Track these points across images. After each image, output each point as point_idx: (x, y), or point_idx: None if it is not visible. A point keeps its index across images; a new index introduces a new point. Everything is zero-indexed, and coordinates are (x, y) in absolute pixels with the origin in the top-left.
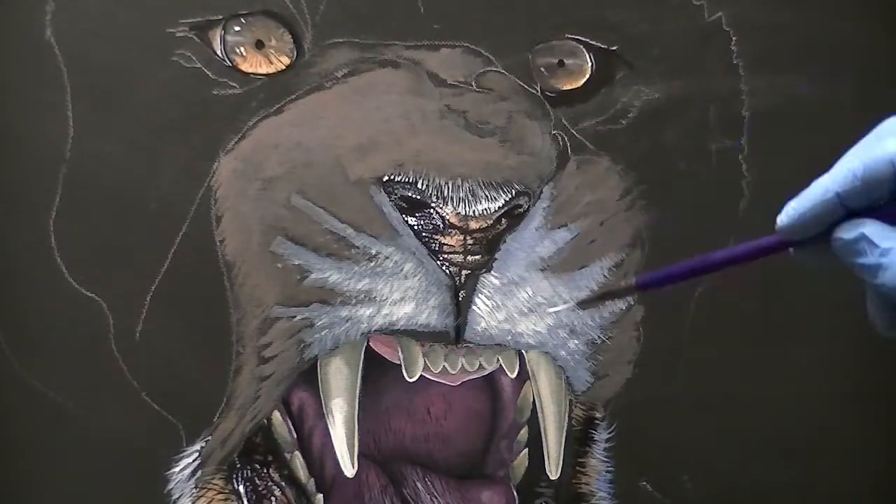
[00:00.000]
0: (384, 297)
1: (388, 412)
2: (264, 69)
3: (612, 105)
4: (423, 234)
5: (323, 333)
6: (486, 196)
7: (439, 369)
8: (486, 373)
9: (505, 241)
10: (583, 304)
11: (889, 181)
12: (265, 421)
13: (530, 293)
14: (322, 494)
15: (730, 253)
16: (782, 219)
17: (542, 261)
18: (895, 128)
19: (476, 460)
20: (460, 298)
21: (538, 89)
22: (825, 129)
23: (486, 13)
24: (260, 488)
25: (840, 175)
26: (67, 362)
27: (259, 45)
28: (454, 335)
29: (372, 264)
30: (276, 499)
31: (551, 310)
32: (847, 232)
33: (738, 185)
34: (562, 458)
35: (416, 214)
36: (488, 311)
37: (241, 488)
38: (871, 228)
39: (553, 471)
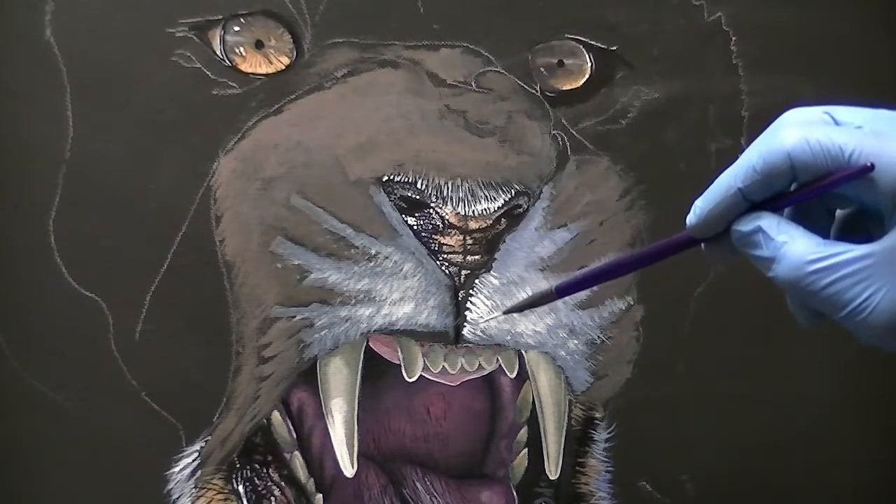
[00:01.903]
0: (384, 297)
1: (388, 412)
2: (264, 69)
3: (612, 105)
4: (423, 234)
5: (322, 333)
6: (486, 196)
7: (439, 369)
8: (485, 373)
9: (504, 241)
10: (508, 312)
11: (786, 173)
12: (265, 421)
13: (530, 293)
14: (321, 494)
15: (643, 253)
16: (691, 218)
17: (542, 261)
18: (791, 119)
19: (476, 460)
20: (460, 298)
21: (538, 89)
22: None
23: (486, 13)
24: (259, 488)
25: (741, 170)
26: (67, 362)
27: (259, 45)
28: (453, 335)
29: (371, 264)
30: (275, 499)
31: (483, 320)
32: (744, 224)
33: None
34: (561, 458)
35: (416, 214)
36: (488, 311)
37: (241, 488)
38: (767, 221)
39: (552, 471)
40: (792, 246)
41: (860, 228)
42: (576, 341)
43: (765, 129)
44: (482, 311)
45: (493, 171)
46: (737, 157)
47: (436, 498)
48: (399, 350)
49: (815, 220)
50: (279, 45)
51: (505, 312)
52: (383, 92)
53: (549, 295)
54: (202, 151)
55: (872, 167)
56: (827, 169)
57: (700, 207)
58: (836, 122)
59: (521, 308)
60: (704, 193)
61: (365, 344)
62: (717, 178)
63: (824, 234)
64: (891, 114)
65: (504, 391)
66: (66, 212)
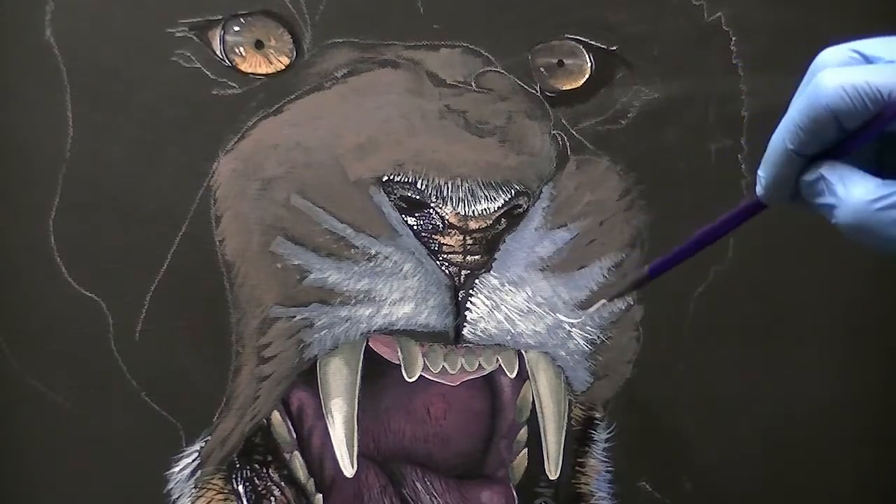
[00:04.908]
0: (383, 297)
1: (388, 412)
2: (264, 69)
3: (612, 105)
4: (423, 234)
5: (322, 333)
6: (486, 196)
7: (439, 369)
8: (485, 373)
9: (504, 241)
10: (612, 299)
11: (832, 124)
12: (265, 421)
13: (530, 293)
14: (321, 494)
15: (720, 223)
16: (759, 189)
17: (542, 261)
18: (824, 64)
19: (475, 460)
20: (459, 298)
21: (538, 89)
22: None
23: (486, 13)
24: (259, 488)
25: (787, 131)
26: (67, 362)
27: (258, 45)
28: (453, 335)
29: (371, 264)
30: (275, 499)
31: (592, 308)
32: (808, 175)
33: (738, 185)
34: (561, 458)
35: (416, 214)
36: (488, 311)
37: (241, 488)
38: (828, 169)
39: (552, 471)
40: (852, 190)
41: None
42: (576, 341)
43: (764, 129)
44: (482, 312)
45: (493, 171)
46: (735, 157)
47: (436, 498)
48: (399, 350)
49: (871, 152)
50: (279, 45)
51: (608, 300)
52: (383, 92)
53: (644, 278)
54: (202, 151)
55: None
56: (870, 112)
57: (763, 176)
58: (868, 60)
59: (618, 294)
60: (763, 160)
61: (365, 344)
62: (770, 139)
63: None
64: None
65: (504, 391)
66: (66, 212)
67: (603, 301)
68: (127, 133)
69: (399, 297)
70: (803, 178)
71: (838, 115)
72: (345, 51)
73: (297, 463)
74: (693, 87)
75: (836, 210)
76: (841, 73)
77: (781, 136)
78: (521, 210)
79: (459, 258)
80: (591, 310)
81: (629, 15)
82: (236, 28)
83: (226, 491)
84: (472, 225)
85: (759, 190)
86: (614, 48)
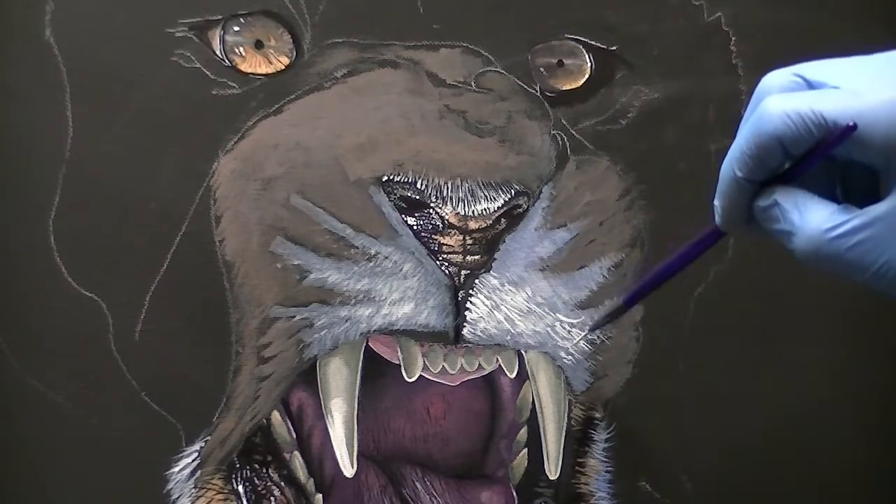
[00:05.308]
0: (383, 297)
1: (388, 412)
2: (263, 69)
3: (612, 105)
4: (423, 234)
5: (322, 333)
6: (486, 196)
7: (438, 369)
8: (485, 373)
9: (504, 241)
10: (591, 331)
11: (778, 151)
12: (264, 421)
13: (529, 293)
14: (321, 494)
15: (682, 253)
16: (717, 219)
17: (542, 261)
18: (767, 89)
19: (475, 460)
20: (459, 298)
21: (537, 89)
22: None
23: (486, 13)
24: (259, 488)
25: (734, 158)
26: (67, 362)
27: (258, 45)
28: (453, 335)
29: (371, 264)
30: (275, 499)
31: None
32: (762, 200)
33: None
34: (561, 458)
35: (416, 214)
36: (487, 311)
37: (241, 488)
38: (782, 194)
39: (552, 471)
40: (808, 216)
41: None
42: (575, 341)
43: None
44: (482, 312)
45: (492, 171)
46: None
47: (435, 498)
48: (399, 350)
49: (830, 179)
50: (279, 45)
51: (589, 331)
52: (383, 92)
53: (619, 308)
54: (202, 151)
55: (855, 127)
56: (815, 138)
57: (718, 206)
58: (810, 84)
59: (601, 325)
60: (717, 190)
61: (365, 344)
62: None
63: (842, 188)
64: (864, 63)
65: (504, 391)
66: (66, 212)
67: (583, 335)
68: (127, 133)
69: (399, 297)
70: (757, 204)
71: (784, 142)
72: (345, 51)
73: (297, 463)
74: (693, 87)
75: (793, 237)
76: (786, 99)
77: (730, 164)
78: (520, 210)
79: (459, 258)
80: (573, 344)
81: (629, 15)
82: (236, 28)
83: (226, 491)
84: (472, 225)
85: (716, 219)
86: (614, 48)
